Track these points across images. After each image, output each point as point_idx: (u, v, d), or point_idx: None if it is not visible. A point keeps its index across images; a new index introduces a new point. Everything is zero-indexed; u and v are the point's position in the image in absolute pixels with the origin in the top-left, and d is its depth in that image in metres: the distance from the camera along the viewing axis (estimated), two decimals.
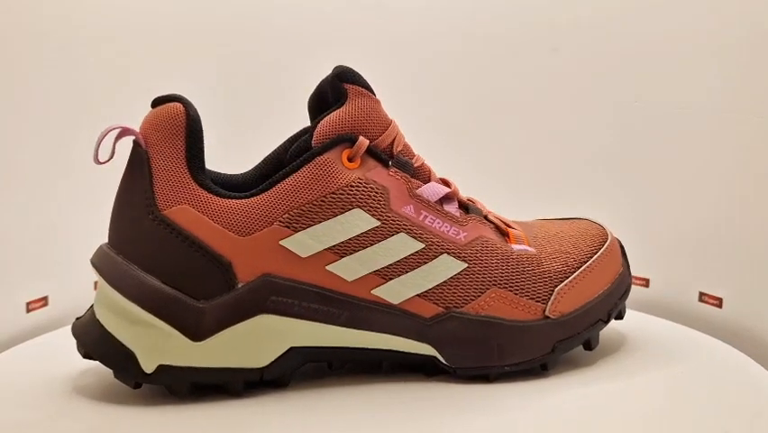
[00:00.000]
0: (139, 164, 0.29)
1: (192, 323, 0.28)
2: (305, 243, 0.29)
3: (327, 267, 0.29)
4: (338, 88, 0.30)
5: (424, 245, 0.30)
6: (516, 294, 0.31)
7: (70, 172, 0.44)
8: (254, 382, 0.30)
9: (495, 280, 0.31)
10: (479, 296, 0.31)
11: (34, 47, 0.42)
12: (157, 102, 0.30)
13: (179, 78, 0.50)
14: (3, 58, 0.40)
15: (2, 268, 0.40)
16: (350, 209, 0.29)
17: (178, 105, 0.29)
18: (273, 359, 0.29)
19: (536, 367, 0.31)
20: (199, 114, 0.30)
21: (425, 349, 0.31)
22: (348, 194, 0.29)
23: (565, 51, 0.50)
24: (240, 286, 0.29)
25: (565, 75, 0.50)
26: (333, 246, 0.29)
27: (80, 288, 0.45)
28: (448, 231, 0.31)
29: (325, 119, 0.30)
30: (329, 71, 0.31)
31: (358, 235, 0.29)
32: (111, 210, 0.30)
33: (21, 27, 0.41)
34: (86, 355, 0.29)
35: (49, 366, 0.33)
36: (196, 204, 0.29)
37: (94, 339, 0.29)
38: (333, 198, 0.29)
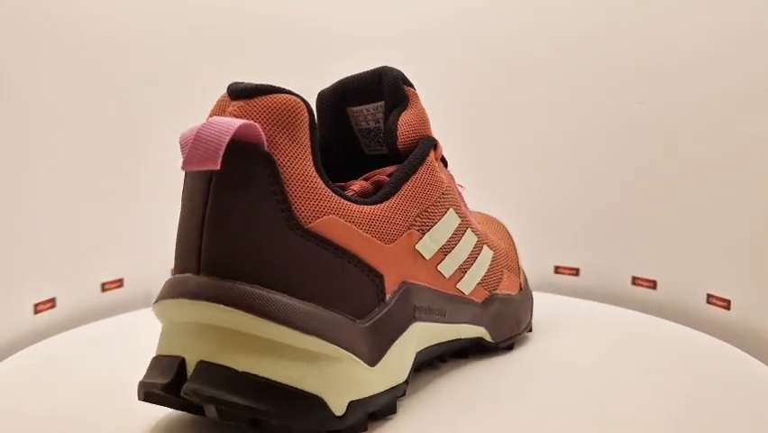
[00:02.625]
0: (262, 170, 0.23)
1: (366, 347, 0.25)
2: (429, 245, 0.29)
3: (438, 267, 0.30)
4: (399, 90, 0.30)
5: (477, 239, 0.32)
6: (513, 274, 0.36)
7: (78, 173, 0.44)
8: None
9: (505, 265, 0.36)
10: (501, 279, 0.35)
11: (33, 44, 0.42)
12: (256, 92, 0.24)
13: (178, 78, 0.50)
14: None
15: (10, 269, 0.40)
16: (447, 209, 0.30)
17: (296, 98, 0.24)
18: (410, 369, 0.28)
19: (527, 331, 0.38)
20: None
21: (478, 332, 0.33)
22: (446, 194, 0.30)
23: (570, 52, 0.50)
24: (389, 297, 0.27)
25: (569, 76, 0.50)
26: (443, 246, 0.30)
27: (87, 290, 0.45)
28: (476, 224, 0.34)
29: (403, 121, 0.30)
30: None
31: (453, 234, 0.30)
32: (186, 232, 0.24)
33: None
34: (253, 423, 0.23)
35: (58, 369, 0.34)
36: (341, 213, 0.25)
37: (252, 396, 0.22)
38: (442, 199, 0.30)
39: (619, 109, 0.48)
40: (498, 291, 0.34)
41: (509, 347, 0.36)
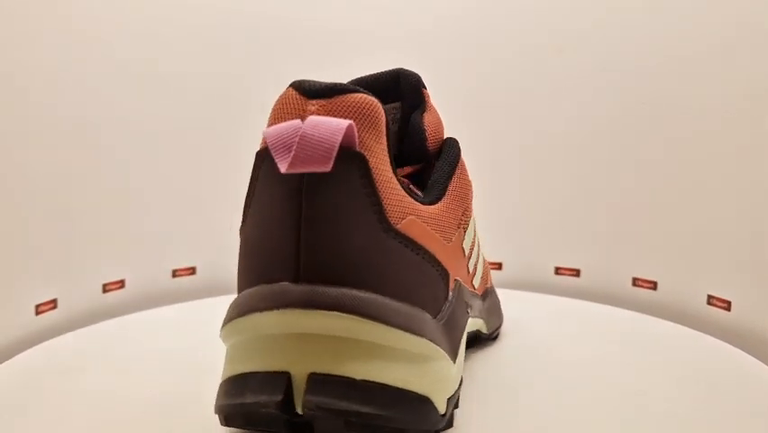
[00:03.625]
0: (355, 171, 0.22)
1: (447, 344, 0.25)
2: (467, 243, 0.30)
3: (468, 264, 0.31)
4: (419, 92, 0.30)
5: (475, 233, 0.33)
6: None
7: (79, 173, 0.44)
8: None
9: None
10: (488, 271, 0.37)
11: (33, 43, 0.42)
12: (335, 91, 0.23)
13: (179, 79, 0.50)
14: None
15: (11, 270, 0.40)
16: (468, 207, 0.31)
17: (373, 98, 0.23)
18: None
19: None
20: None
21: (478, 324, 0.33)
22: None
23: (570, 53, 0.50)
24: (450, 295, 0.27)
25: (570, 76, 0.50)
26: (471, 244, 0.31)
27: (89, 291, 0.46)
28: None
29: (427, 121, 0.30)
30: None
31: (475, 231, 0.32)
32: (276, 238, 0.22)
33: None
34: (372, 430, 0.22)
35: (60, 370, 0.34)
36: (417, 213, 0.24)
37: (376, 404, 0.21)
38: (470, 197, 0.31)
39: (620, 110, 0.48)
40: (489, 284, 0.36)
41: (495, 338, 0.37)
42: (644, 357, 0.35)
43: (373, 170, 0.23)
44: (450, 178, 0.29)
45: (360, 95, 0.23)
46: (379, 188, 0.23)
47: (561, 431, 0.26)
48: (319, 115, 0.22)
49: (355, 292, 0.22)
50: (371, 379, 0.22)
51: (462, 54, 0.53)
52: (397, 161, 0.31)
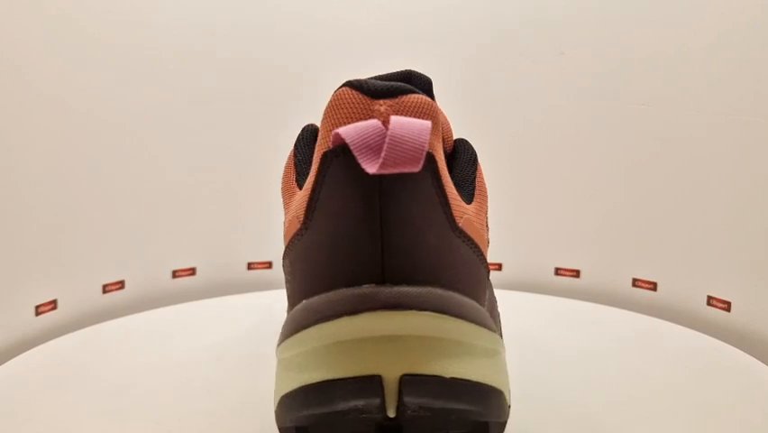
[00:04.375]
0: (427, 171, 0.22)
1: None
2: (487, 241, 0.30)
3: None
4: (431, 94, 0.30)
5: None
6: None
7: (79, 174, 0.44)
8: None
9: None
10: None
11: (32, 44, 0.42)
12: (398, 91, 0.23)
13: (180, 80, 0.50)
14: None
15: (11, 271, 0.40)
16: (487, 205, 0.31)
17: (427, 98, 0.23)
18: None
19: None
20: None
21: None
22: None
23: (572, 54, 0.50)
24: (488, 293, 0.28)
25: (570, 77, 0.50)
26: (488, 242, 0.31)
27: (89, 291, 0.46)
28: None
29: (446, 125, 0.30)
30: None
31: None
32: (356, 241, 0.22)
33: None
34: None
35: (60, 371, 0.34)
36: (467, 212, 0.25)
37: (467, 400, 0.22)
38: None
39: (620, 111, 0.48)
40: None
41: None
42: (643, 358, 0.35)
43: (441, 168, 0.23)
44: (475, 177, 0.28)
45: (419, 95, 0.23)
46: (445, 187, 0.23)
47: (561, 431, 0.26)
48: (388, 114, 0.22)
49: (438, 291, 0.22)
50: (459, 376, 0.22)
51: (462, 54, 0.53)
52: None
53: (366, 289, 0.21)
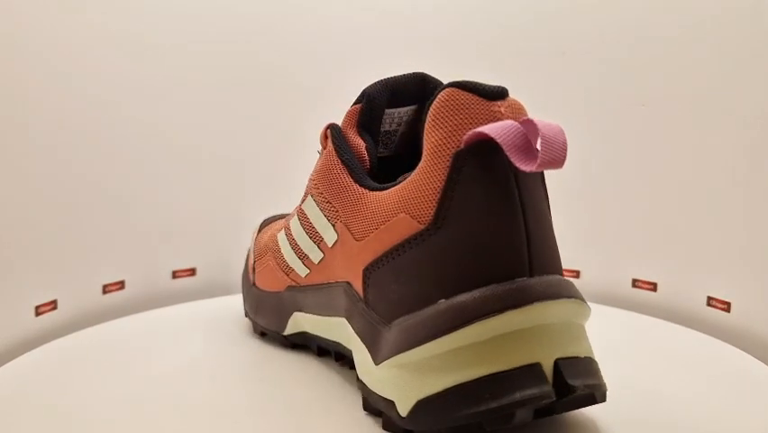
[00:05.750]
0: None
1: None
2: None
3: None
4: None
5: None
6: None
7: (79, 174, 0.44)
8: None
9: None
10: None
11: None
12: (505, 92, 0.24)
13: (178, 81, 0.50)
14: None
15: (11, 271, 0.40)
16: None
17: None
18: None
19: None
20: None
21: None
22: None
23: (572, 55, 0.50)
24: None
25: (571, 77, 0.50)
26: None
27: (89, 292, 0.46)
28: None
29: None
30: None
31: None
32: (507, 236, 0.23)
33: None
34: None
35: (60, 372, 0.34)
36: None
37: (599, 376, 0.24)
38: None
39: (620, 111, 0.48)
40: None
41: None
42: (643, 358, 0.35)
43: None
44: None
45: (515, 97, 0.25)
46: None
47: (561, 431, 0.26)
48: (510, 116, 0.24)
49: (564, 278, 0.24)
50: (586, 355, 0.24)
51: (462, 54, 0.53)
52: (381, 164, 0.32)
53: (520, 282, 0.23)
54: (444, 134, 0.24)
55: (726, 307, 0.43)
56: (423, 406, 0.23)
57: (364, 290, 0.27)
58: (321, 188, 0.30)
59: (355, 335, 0.28)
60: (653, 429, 0.27)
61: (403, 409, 0.24)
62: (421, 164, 0.24)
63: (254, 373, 0.33)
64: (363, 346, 0.27)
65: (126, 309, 0.46)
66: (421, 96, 0.32)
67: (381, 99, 0.31)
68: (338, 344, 0.32)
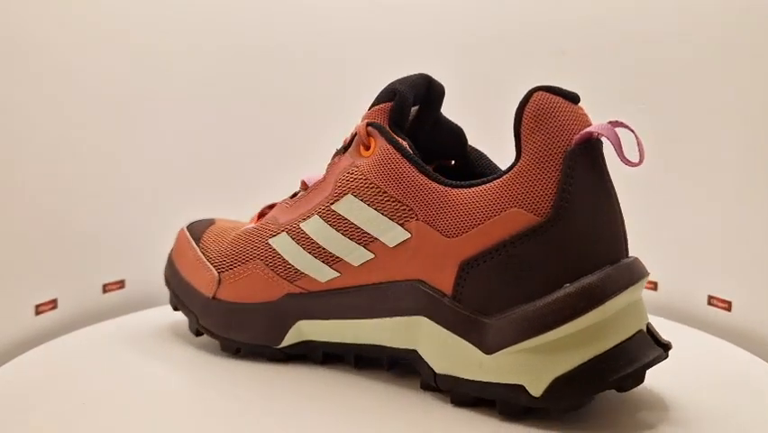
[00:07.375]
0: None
1: None
2: None
3: None
4: (442, 100, 0.33)
5: None
6: None
7: (79, 173, 0.44)
8: None
9: None
10: None
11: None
12: (578, 97, 0.27)
13: (178, 80, 0.50)
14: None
15: (11, 271, 0.40)
16: None
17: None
18: None
19: None
20: None
21: None
22: None
23: (572, 54, 0.50)
24: None
25: (571, 77, 0.50)
26: None
27: (89, 291, 0.45)
28: None
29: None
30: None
31: None
32: (615, 224, 0.28)
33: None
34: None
35: (60, 371, 0.34)
36: None
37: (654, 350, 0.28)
38: None
39: (620, 111, 0.48)
40: None
41: None
42: None
43: None
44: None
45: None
46: None
47: (560, 429, 0.26)
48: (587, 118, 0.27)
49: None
50: (641, 328, 0.27)
51: (462, 54, 0.53)
52: (431, 156, 0.33)
53: (626, 263, 0.27)
54: (549, 135, 0.26)
55: (728, 306, 0.43)
56: (560, 382, 0.25)
57: (456, 284, 0.27)
58: (381, 186, 0.29)
59: (441, 330, 0.28)
60: (654, 429, 0.27)
61: (536, 389, 0.25)
62: (523, 163, 0.26)
63: (257, 372, 0.33)
64: (460, 339, 0.27)
65: (126, 309, 0.46)
66: (425, 97, 0.32)
67: (410, 97, 0.31)
68: (381, 347, 0.31)
